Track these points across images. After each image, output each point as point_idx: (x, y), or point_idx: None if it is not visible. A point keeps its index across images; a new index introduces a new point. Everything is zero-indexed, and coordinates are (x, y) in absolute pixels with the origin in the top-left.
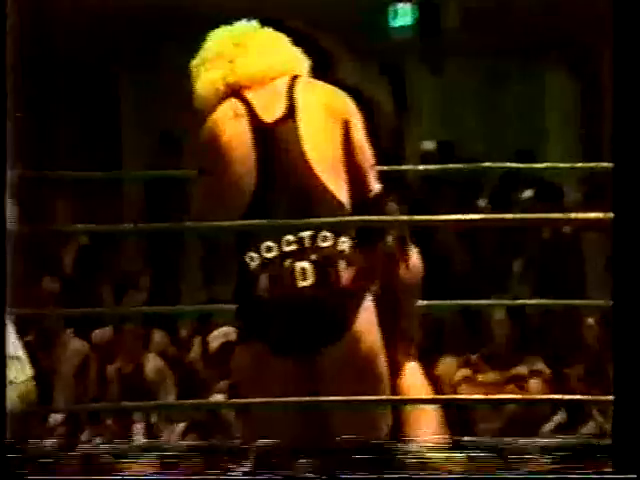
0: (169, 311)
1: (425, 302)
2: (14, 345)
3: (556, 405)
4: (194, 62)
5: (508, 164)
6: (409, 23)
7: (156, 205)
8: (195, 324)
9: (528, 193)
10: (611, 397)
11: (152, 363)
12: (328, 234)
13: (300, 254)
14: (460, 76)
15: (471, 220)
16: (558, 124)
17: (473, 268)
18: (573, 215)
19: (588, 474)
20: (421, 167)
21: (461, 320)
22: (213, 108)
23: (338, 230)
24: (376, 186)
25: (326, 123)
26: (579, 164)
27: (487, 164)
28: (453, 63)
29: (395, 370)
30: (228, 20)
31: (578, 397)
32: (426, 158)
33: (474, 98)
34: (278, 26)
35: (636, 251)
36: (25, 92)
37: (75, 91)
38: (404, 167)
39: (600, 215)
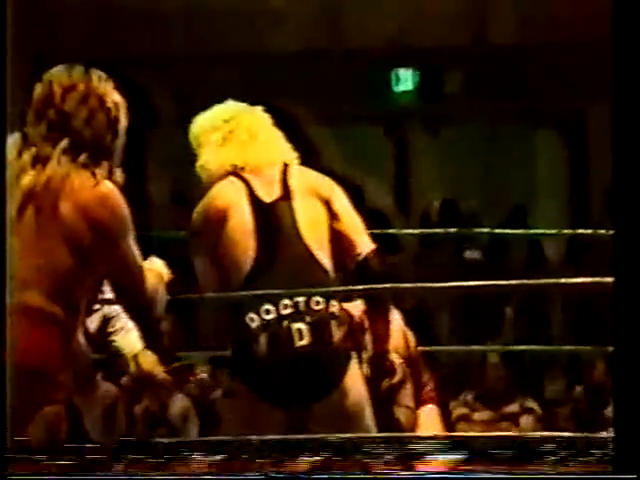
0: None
1: (425, 348)
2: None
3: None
4: (196, 132)
5: (499, 230)
6: (410, 88)
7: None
8: None
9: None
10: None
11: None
12: (320, 299)
13: (296, 316)
14: (459, 138)
15: (469, 286)
16: (549, 183)
17: (468, 315)
18: (579, 280)
19: (588, 474)
20: (417, 231)
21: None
22: (215, 181)
23: (328, 295)
24: (365, 248)
25: (314, 202)
26: (579, 230)
27: (477, 230)
28: (453, 125)
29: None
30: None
31: (575, 434)
32: (428, 214)
33: (472, 158)
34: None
35: (636, 311)
36: None
37: None
38: (403, 231)
39: (600, 280)
